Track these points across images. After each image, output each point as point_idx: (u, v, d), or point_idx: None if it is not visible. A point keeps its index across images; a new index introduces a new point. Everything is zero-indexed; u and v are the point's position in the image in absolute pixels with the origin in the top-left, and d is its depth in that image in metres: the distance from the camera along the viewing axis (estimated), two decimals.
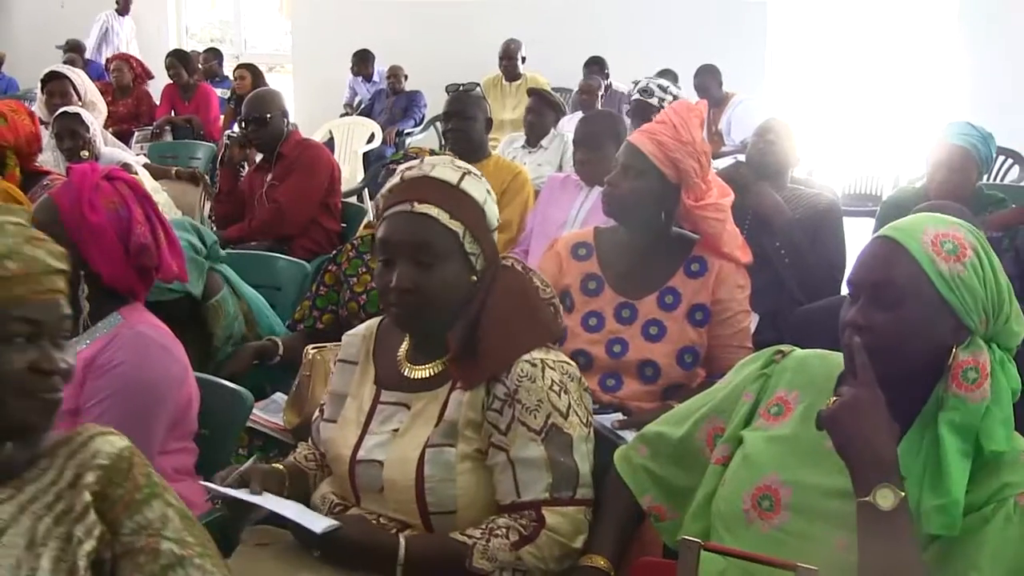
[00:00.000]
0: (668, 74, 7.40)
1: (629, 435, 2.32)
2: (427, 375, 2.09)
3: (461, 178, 2.06)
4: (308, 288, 3.64)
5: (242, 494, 1.93)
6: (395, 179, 2.10)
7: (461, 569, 1.88)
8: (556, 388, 1.98)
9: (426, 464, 1.97)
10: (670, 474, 1.97)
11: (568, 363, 2.06)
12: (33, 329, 1.52)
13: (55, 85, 5.78)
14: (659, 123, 2.89)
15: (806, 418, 1.75)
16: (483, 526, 1.93)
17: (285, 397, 3.08)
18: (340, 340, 3.16)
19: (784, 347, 1.96)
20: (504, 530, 1.91)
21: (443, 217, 2.00)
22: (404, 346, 2.15)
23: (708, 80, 8.07)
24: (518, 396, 1.96)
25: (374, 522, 2.01)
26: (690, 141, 2.84)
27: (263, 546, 2.00)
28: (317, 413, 2.29)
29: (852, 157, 8.06)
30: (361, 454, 2.06)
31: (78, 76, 5.98)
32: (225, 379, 2.66)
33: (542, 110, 6.17)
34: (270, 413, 3.05)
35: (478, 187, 2.08)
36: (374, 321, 2.26)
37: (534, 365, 1.98)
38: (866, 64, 10.43)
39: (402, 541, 1.90)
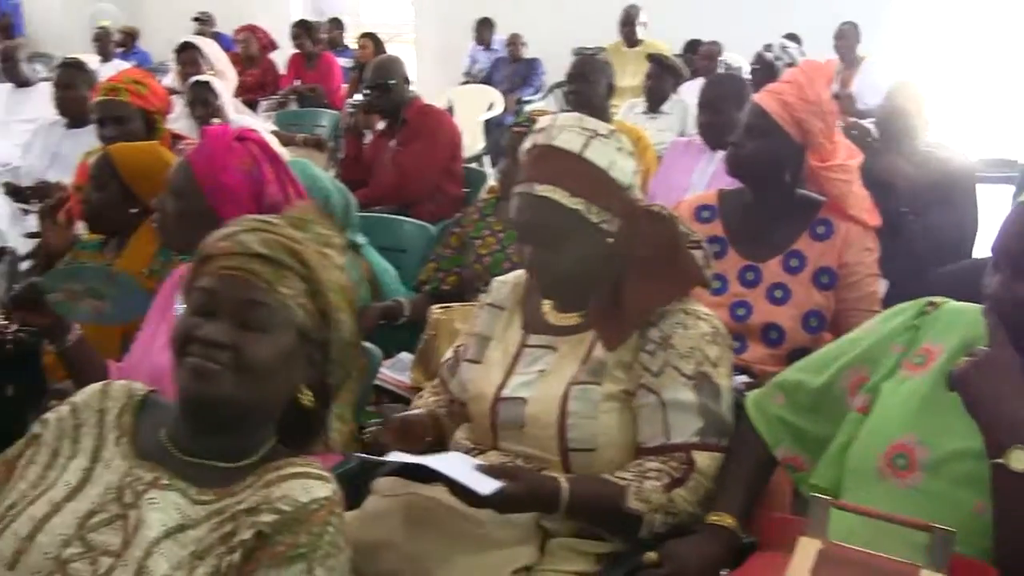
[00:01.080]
0: (792, 38, 7.27)
1: None
2: (573, 323, 2.11)
3: (585, 144, 2.03)
4: (432, 250, 3.69)
5: (404, 457, 1.93)
6: (528, 142, 2.10)
7: (615, 510, 1.90)
8: (708, 338, 2.00)
9: (570, 400, 1.99)
10: (806, 423, 1.95)
11: (719, 320, 2.06)
12: (207, 299, 1.57)
13: (187, 55, 6.02)
14: (785, 82, 2.85)
15: (946, 374, 1.69)
16: (634, 469, 1.94)
17: (411, 357, 3.14)
18: (464, 301, 3.22)
19: (936, 298, 1.88)
20: (656, 473, 1.92)
21: (563, 198, 2.00)
22: None
23: (850, 35, 7.90)
24: (672, 341, 1.98)
25: (516, 464, 2.03)
26: (816, 101, 2.78)
27: (390, 498, 2.04)
28: (451, 352, 2.32)
29: (988, 122, 7.81)
30: (505, 392, 2.09)
31: (209, 46, 6.17)
32: None
33: (661, 75, 6.15)
34: (396, 371, 3.10)
35: (604, 151, 2.04)
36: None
37: (688, 314, 2.01)
38: (1002, 25, 10.05)
39: (564, 484, 1.89)
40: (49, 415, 1.64)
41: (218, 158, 2.42)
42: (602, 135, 2.06)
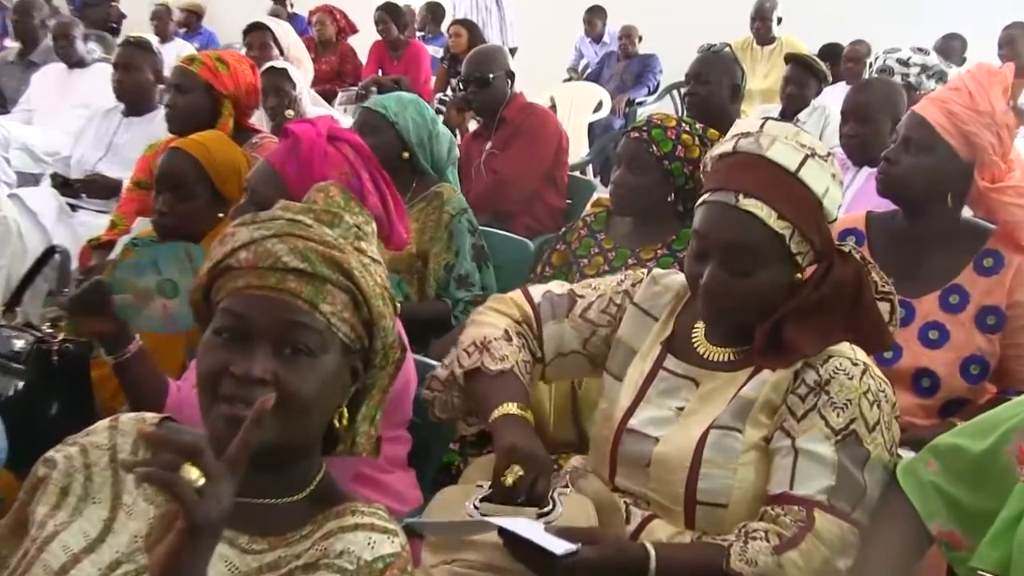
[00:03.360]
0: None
1: (906, 454, 2.27)
2: (724, 359, 2.11)
3: (802, 163, 2.02)
4: (531, 268, 3.68)
5: (469, 518, 1.93)
6: (726, 145, 2.09)
7: (717, 573, 1.88)
8: (871, 397, 1.96)
9: (707, 447, 1.99)
10: (964, 494, 1.90)
11: (888, 383, 2.03)
12: (238, 324, 1.49)
13: (255, 36, 5.85)
14: (952, 90, 2.80)
15: None
16: (737, 530, 1.92)
17: None
18: None
19: None
20: (763, 532, 1.89)
21: (770, 218, 1.99)
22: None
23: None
24: (828, 387, 1.96)
25: (622, 508, 2.04)
26: (988, 111, 2.73)
27: (447, 564, 2.03)
28: (563, 291, 2.34)
29: None
30: (633, 423, 2.09)
31: (281, 28, 6.02)
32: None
33: (804, 79, 6.06)
34: None
35: (820, 174, 2.03)
36: None
37: (855, 364, 1.98)
38: None
39: (651, 551, 1.89)
40: (56, 455, 1.58)
41: (315, 169, 2.39)
42: (820, 156, 2.05)
